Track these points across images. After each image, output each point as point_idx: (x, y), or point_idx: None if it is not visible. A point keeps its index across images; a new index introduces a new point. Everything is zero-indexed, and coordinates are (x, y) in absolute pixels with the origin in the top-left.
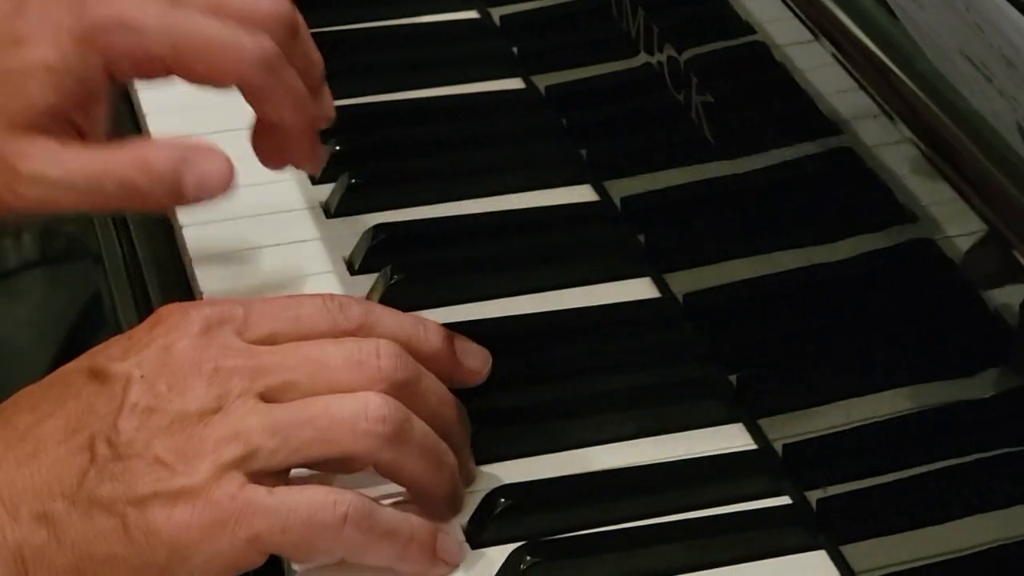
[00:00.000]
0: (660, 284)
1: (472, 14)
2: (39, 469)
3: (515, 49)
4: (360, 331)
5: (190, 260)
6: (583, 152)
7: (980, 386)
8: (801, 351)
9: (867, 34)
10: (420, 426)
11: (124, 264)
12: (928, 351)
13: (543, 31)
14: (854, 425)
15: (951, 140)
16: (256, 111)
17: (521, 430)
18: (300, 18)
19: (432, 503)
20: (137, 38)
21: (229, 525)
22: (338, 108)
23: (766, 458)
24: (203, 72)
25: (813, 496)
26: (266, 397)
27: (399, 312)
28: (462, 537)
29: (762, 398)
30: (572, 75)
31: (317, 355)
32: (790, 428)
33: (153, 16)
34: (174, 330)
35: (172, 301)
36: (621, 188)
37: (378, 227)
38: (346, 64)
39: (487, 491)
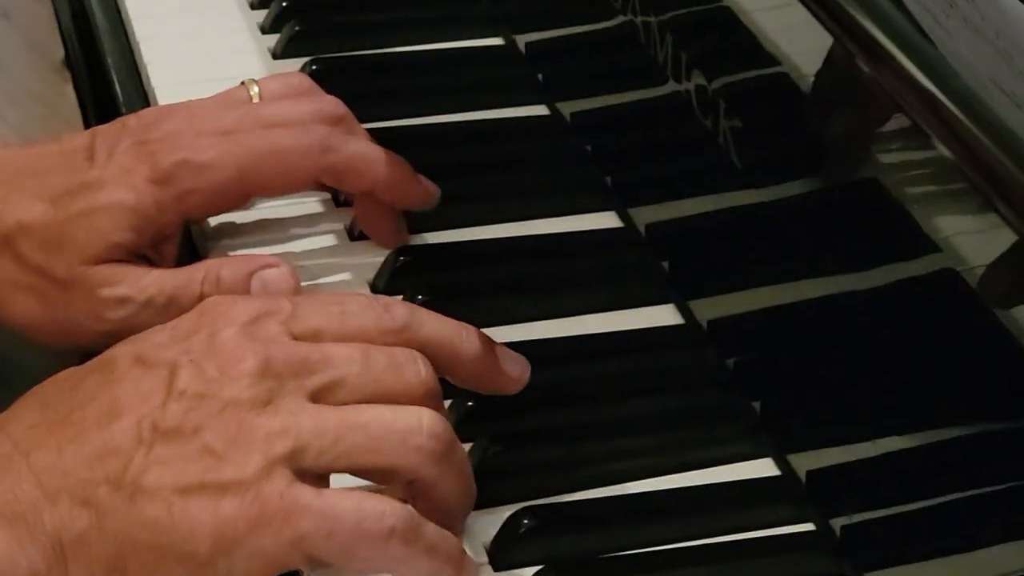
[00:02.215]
0: (684, 310)
1: (498, 41)
2: (81, 453)
3: (540, 76)
4: (405, 331)
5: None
6: (608, 179)
7: (1008, 416)
8: (825, 379)
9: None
10: (462, 448)
11: None
12: (955, 381)
13: (568, 58)
14: (879, 453)
15: (990, 161)
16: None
17: (545, 452)
18: (345, 108)
19: (453, 525)
20: (203, 173)
21: (275, 523)
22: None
23: (790, 484)
24: (272, 181)
25: (837, 523)
26: (315, 398)
27: (442, 316)
28: (485, 558)
29: (786, 425)
30: (597, 102)
31: (363, 358)
32: (814, 455)
33: (212, 149)
34: (221, 318)
35: None
36: (646, 215)
37: (401, 250)
38: (373, 89)
39: (511, 512)
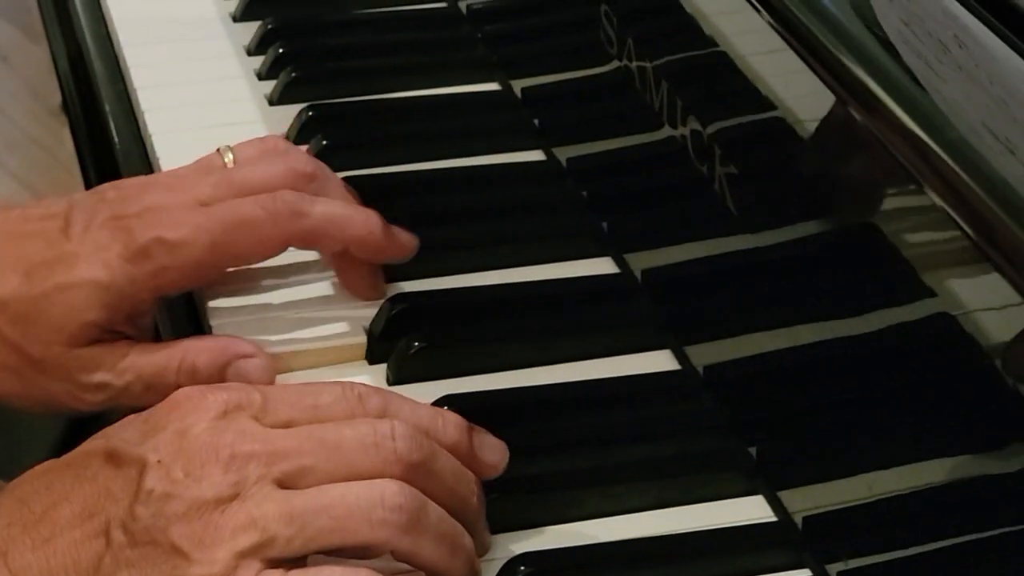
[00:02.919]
0: (680, 356)
1: (494, 86)
2: (55, 554)
3: (536, 121)
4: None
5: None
6: (604, 224)
7: (1005, 460)
8: (821, 424)
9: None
10: (436, 511)
11: None
12: (952, 425)
13: (564, 103)
14: (876, 498)
15: (983, 211)
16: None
17: (541, 498)
18: (316, 164)
19: None
20: (177, 250)
21: None
22: (359, 178)
23: (787, 530)
24: (245, 251)
25: (834, 569)
26: (283, 483)
27: (418, 403)
28: None
29: (782, 470)
30: (593, 147)
31: (333, 438)
32: (810, 500)
33: (186, 225)
34: (191, 414)
35: None
36: (641, 260)
37: (397, 297)
38: (369, 134)
39: (507, 559)
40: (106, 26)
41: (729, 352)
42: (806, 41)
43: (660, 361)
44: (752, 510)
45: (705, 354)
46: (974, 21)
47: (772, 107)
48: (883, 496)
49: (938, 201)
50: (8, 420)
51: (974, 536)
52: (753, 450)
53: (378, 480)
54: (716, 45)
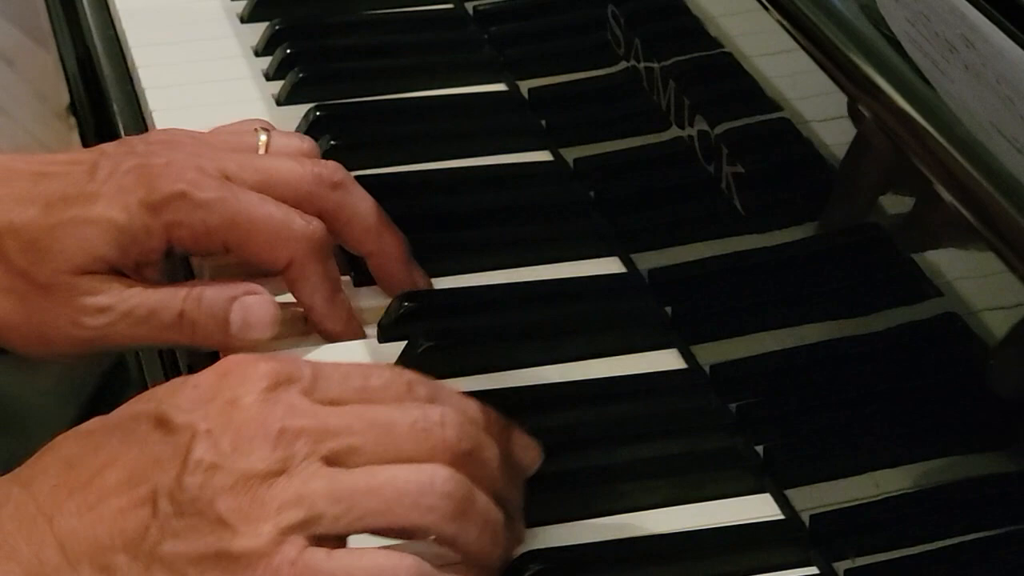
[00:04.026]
0: (687, 355)
1: (501, 87)
2: (101, 520)
3: (543, 122)
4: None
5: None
6: (611, 224)
7: (1012, 459)
8: (828, 422)
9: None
10: (483, 499)
11: None
12: (958, 424)
13: (571, 104)
14: (883, 496)
15: (993, 208)
16: (294, 294)
17: (550, 497)
18: (344, 174)
19: (484, 572)
20: (196, 210)
21: None
22: (367, 178)
23: (794, 528)
24: (255, 248)
25: (841, 567)
26: (331, 461)
27: (464, 396)
28: None
29: (789, 468)
30: (600, 148)
31: (383, 420)
32: (818, 498)
33: (212, 191)
34: (241, 384)
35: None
36: (648, 260)
37: (405, 296)
38: (376, 135)
39: (516, 556)
40: (114, 27)
41: (736, 351)
42: (817, 40)
43: (667, 360)
44: (759, 508)
45: (712, 353)
46: (982, 19)
47: (779, 107)
48: (890, 494)
49: (948, 199)
50: (19, 414)
51: (981, 535)
52: (760, 449)
53: (427, 465)
54: (723, 46)
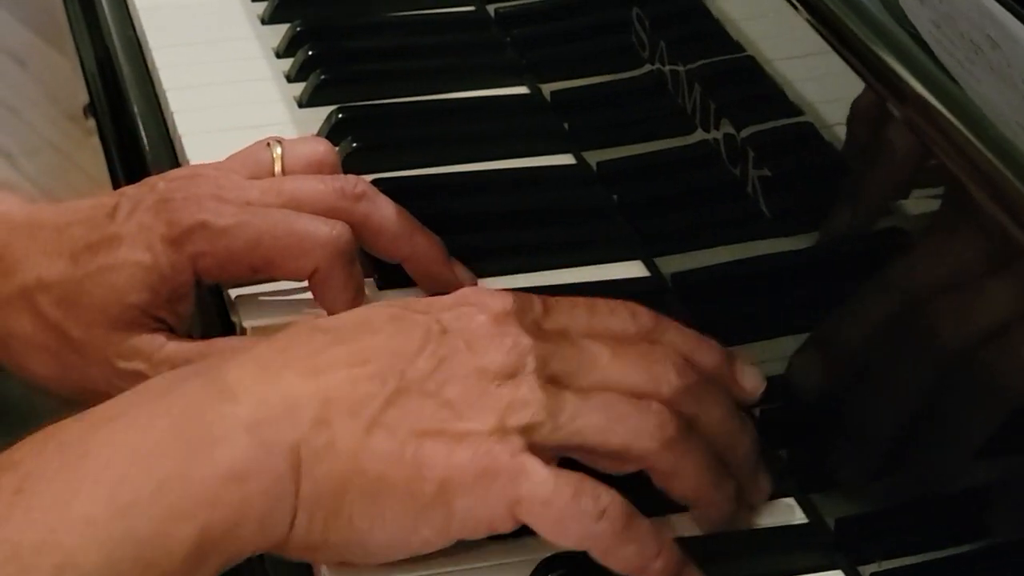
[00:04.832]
0: None
1: (523, 89)
2: (327, 383)
3: (566, 125)
4: (648, 338)
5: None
6: (634, 228)
7: None
8: (852, 426)
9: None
10: (701, 439)
11: None
12: (986, 427)
13: (595, 107)
14: (908, 499)
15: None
16: (317, 299)
17: None
18: (365, 184)
19: (709, 521)
20: (219, 238)
21: (500, 480)
22: (389, 180)
23: (819, 531)
24: (281, 263)
25: (866, 571)
26: (554, 381)
27: (684, 328)
28: None
29: (813, 472)
30: (624, 151)
31: (609, 352)
32: (843, 501)
33: (232, 216)
34: (476, 306)
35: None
36: (672, 264)
37: None
38: (397, 137)
39: (536, 560)
40: (134, 27)
41: (760, 355)
42: (846, 40)
43: None
44: (784, 512)
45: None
46: (1009, 17)
47: (805, 111)
48: (915, 498)
49: (982, 201)
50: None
51: (1009, 539)
52: (783, 452)
53: (647, 400)
54: (748, 49)
